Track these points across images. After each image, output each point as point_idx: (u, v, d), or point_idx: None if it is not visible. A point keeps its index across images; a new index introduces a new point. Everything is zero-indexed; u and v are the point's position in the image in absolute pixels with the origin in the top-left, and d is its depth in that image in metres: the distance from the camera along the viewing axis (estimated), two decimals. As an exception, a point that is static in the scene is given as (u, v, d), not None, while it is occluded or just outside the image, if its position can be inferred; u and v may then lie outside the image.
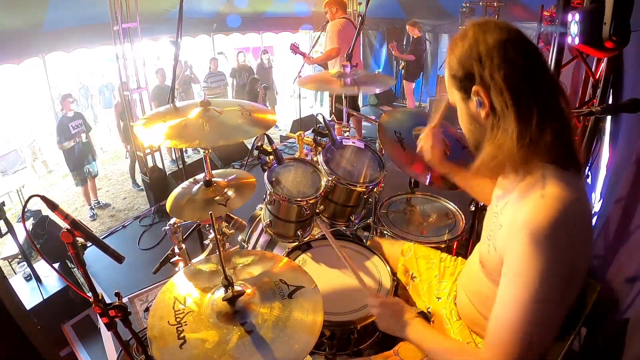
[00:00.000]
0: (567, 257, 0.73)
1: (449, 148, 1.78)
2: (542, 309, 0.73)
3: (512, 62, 0.77)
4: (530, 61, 0.78)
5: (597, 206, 2.27)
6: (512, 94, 0.77)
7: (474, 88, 0.82)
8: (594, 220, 2.19)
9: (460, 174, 1.29)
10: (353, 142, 1.90)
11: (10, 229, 2.52)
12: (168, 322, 1.00)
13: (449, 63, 0.87)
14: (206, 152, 1.52)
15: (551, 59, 2.29)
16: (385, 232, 1.81)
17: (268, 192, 1.61)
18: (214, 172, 1.61)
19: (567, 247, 0.73)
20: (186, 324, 0.99)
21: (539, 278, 0.72)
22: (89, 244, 0.97)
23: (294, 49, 3.73)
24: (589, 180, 2.46)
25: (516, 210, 0.78)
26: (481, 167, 0.86)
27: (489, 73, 0.78)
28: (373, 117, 3.38)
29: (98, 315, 1.02)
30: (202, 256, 1.76)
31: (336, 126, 2.90)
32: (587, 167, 2.49)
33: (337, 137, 1.84)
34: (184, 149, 2.52)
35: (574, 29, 1.88)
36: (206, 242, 1.85)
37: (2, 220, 2.49)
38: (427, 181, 1.52)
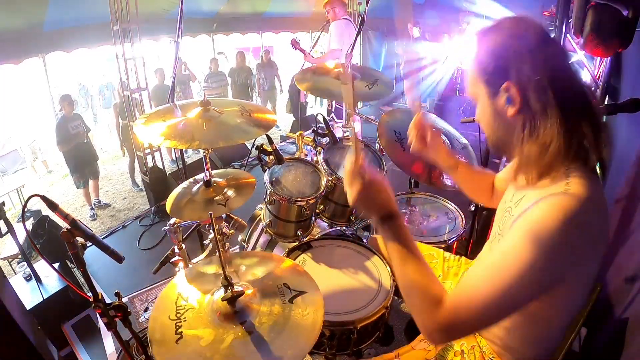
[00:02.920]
0: (568, 255, 0.71)
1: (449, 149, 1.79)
2: (513, 294, 0.72)
3: (555, 60, 0.75)
4: (565, 62, 0.77)
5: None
6: (555, 95, 0.74)
7: (505, 84, 0.77)
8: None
9: (459, 170, 1.25)
10: (353, 142, 1.89)
11: (10, 229, 2.52)
12: (169, 316, 1.01)
13: (477, 55, 0.82)
14: (206, 152, 1.52)
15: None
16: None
17: (268, 192, 1.61)
18: (214, 172, 1.61)
19: (575, 245, 0.71)
20: (185, 320, 0.99)
21: (528, 266, 0.70)
22: (89, 244, 0.97)
23: (295, 44, 3.73)
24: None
25: (533, 204, 0.74)
26: (523, 168, 0.81)
27: (530, 69, 0.74)
28: (373, 117, 3.38)
29: (98, 315, 1.02)
30: (202, 256, 1.76)
31: (335, 126, 2.91)
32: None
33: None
34: (183, 149, 2.52)
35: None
36: (206, 242, 1.85)
37: (2, 220, 2.49)
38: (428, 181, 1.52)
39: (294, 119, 6.71)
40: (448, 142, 1.78)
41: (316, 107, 9.27)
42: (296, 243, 1.64)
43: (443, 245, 1.72)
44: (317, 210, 1.74)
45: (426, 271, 0.83)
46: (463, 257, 1.41)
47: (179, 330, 0.96)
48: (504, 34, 0.78)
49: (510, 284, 0.72)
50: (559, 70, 0.76)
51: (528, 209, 0.74)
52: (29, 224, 3.35)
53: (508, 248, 0.74)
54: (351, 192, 0.87)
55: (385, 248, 0.88)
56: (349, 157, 0.90)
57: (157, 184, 4.38)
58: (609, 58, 2.14)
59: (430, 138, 1.23)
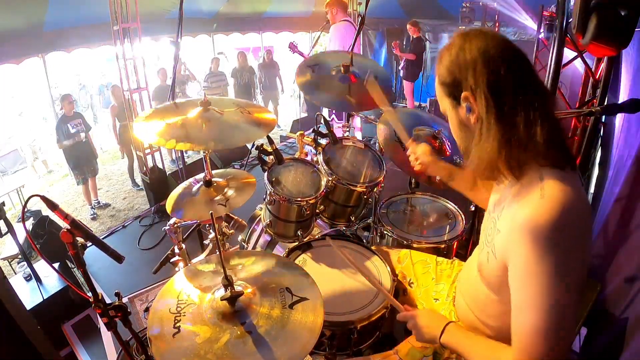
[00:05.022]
0: (573, 255, 0.74)
1: (449, 149, 1.78)
2: (559, 309, 0.74)
3: (494, 67, 0.79)
4: (514, 66, 0.80)
5: (593, 205, 2.28)
6: (493, 98, 0.79)
7: (463, 94, 0.84)
8: (593, 220, 2.19)
9: (458, 178, 1.31)
10: (353, 142, 1.90)
11: (10, 229, 2.52)
12: (169, 309, 1.01)
13: (438, 72, 0.90)
14: (206, 152, 1.52)
15: (551, 59, 2.29)
16: (385, 232, 1.81)
17: (268, 192, 1.61)
18: (213, 172, 1.61)
19: (571, 246, 0.74)
20: (185, 315, 1.00)
21: (551, 279, 0.73)
22: (89, 244, 0.97)
23: (292, 47, 3.73)
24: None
25: (514, 213, 0.79)
26: (474, 172, 0.88)
27: (473, 79, 0.81)
28: (373, 117, 3.37)
29: (98, 315, 1.02)
30: (202, 256, 1.76)
31: (336, 126, 2.91)
32: (589, 167, 2.49)
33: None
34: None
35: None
36: (206, 242, 1.85)
37: (2, 220, 2.50)
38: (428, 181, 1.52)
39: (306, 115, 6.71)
40: (449, 143, 1.79)
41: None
42: (296, 243, 1.64)
43: (443, 246, 1.72)
44: (317, 210, 1.74)
45: (489, 347, 0.90)
46: (456, 260, 1.44)
47: (177, 324, 0.97)
48: (454, 49, 0.85)
49: (554, 297, 0.73)
50: (501, 76, 0.79)
51: (514, 221, 0.78)
52: (29, 224, 3.35)
53: (523, 274, 0.77)
54: (415, 332, 1.05)
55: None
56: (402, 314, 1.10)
57: (157, 184, 4.38)
58: (608, 58, 2.14)
59: (429, 162, 1.34)
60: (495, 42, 0.82)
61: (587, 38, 1.63)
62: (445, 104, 0.92)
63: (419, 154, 1.36)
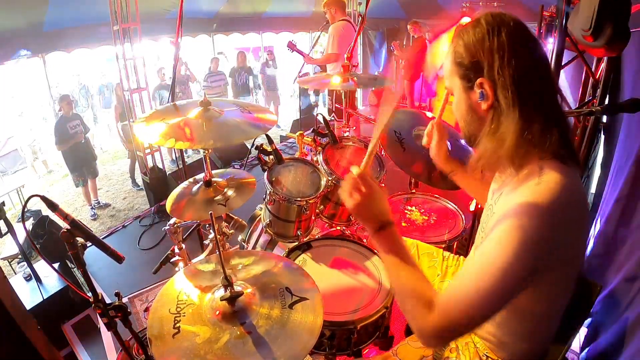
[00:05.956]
0: (549, 243, 0.72)
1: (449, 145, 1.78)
2: (500, 283, 0.72)
3: (522, 61, 0.76)
4: (538, 62, 0.78)
5: (594, 205, 2.27)
6: (518, 93, 0.76)
7: (480, 80, 0.80)
8: (593, 220, 2.19)
9: (462, 173, 1.29)
10: (353, 142, 1.90)
11: (10, 229, 2.52)
12: (169, 310, 1.01)
13: (455, 49, 0.84)
14: (206, 152, 1.52)
15: (551, 59, 2.29)
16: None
17: (268, 192, 1.61)
18: (213, 172, 1.61)
19: (553, 235, 0.71)
20: (184, 315, 1.00)
21: (509, 250, 0.70)
22: (89, 244, 0.97)
23: (291, 46, 3.73)
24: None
25: (511, 199, 0.77)
26: (481, 160, 0.85)
27: (498, 67, 0.76)
28: (373, 117, 3.38)
29: (98, 315, 1.02)
30: (202, 256, 1.76)
31: (336, 125, 2.91)
32: (589, 167, 2.49)
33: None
34: (183, 149, 2.53)
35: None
36: (206, 242, 1.85)
37: (2, 220, 2.49)
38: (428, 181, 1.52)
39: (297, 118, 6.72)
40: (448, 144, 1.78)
41: (319, 107, 9.26)
42: (296, 243, 1.64)
43: (443, 246, 1.72)
44: (317, 210, 1.74)
45: (419, 277, 0.84)
46: (462, 257, 1.42)
47: (177, 324, 0.97)
48: (481, 30, 0.79)
49: (496, 277, 0.72)
50: (528, 71, 0.77)
51: (505, 204, 0.76)
52: (29, 224, 3.35)
53: (490, 244, 0.75)
54: (351, 201, 0.87)
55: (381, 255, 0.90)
56: (354, 167, 0.90)
57: (157, 184, 4.38)
58: (608, 58, 2.14)
59: (445, 150, 1.30)
60: (525, 31, 0.78)
61: (601, 42, 1.63)
62: (454, 83, 0.87)
63: (436, 142, 1.30)
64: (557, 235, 0.72)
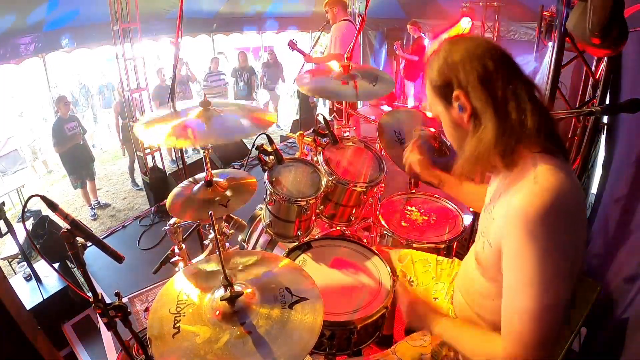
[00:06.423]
0: (566, 239, 0.75)
1: (449, 150, 1.78)
2: (550, 292, 0.74)
3: (483, 63, 0.83)
4: (499, 61, 0.84)
5: (594, 205, 2.27)
6: (486, 90, 0.82)
7: (454, 93, 0.87)
8: (591, 220, 2.19)
9: (450, 182, 1.34)
10: (353, 142, 1.90)
11: (10, 229, 2.52)
12: (169, 310, 1.01)
13: (429, 77, 0.93)
14: (206, 152, 1.52)
15: (551, 59, 2.29)
16: (385, 232, 1.81)
17: (268, 192, 1.61)
18: (213, 172, 1.61)
19: (563, 230, 0.75)
20: (184, 315, 1.00)
21: (542, 262, 0.73)
22: (89, 244, 0.97)
23: (292, 45, 3.72)
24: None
25: (509, 200, 0.80)
26: (464, 164, 0.89)
27: (464, 76, 0.84)
28: (373, 117, 3.38)
29: (98, 315, 1.02)
30: (202, 256, 1.76)
31: (336, 125, 2.90)
32: (589, 167, 2.49)
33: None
34: (183, 149, 2.53)
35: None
36: (206, 242, 1.85)
37: (2, 220, 2.49)
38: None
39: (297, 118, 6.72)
40: (449, 144, 1.78)
41: (319, 107, 9.26)
42: (296, 243, 1.64)
43: (443, 246, 1.72)
44: (318, 211, 1.74)
45: (479, 337, 0.93)
46: (455, 259, 1.45)
47: (177, 324, 0.97)
48: (443, 52, 0.89)
49: (543, 281, 0.74)
50: (490, 69, 0.83)
51: (508, 207, 0.79)
52: (29, 224, 3.35)
53: (515, 257, 0.77)
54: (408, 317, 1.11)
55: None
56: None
57: (157, 184, 4.38)
58: (608, 58, 2.14)
59: (427, 165, 1.40)
60: (479, 42, 0.87)
61: (608, 43, 1.63)
62: (437, 107, 0.95)
63: (411, 160, 1.41)
64: (564, 230, 0.75)
